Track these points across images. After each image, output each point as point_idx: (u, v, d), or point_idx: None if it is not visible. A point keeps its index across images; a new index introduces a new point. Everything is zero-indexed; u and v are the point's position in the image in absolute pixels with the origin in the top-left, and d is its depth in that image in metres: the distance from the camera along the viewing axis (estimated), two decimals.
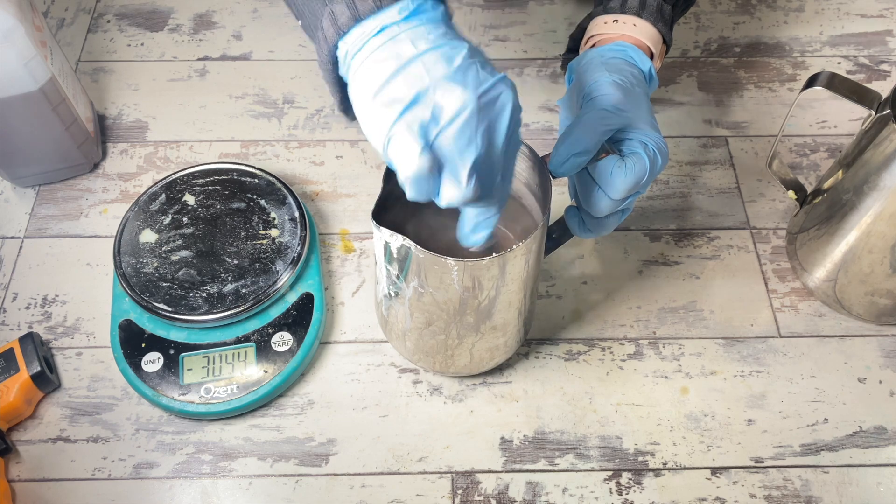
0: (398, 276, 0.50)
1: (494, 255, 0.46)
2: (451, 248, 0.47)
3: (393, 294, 0.53)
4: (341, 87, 0.43)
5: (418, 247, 0.46)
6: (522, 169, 0.53)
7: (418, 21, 0.40)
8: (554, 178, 0.49)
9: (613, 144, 0.49)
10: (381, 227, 0.46)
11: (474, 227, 0.44)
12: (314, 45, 0.44)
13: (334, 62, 0.42)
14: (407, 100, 0.39)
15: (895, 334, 0.65)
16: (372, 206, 0.47)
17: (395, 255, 0.48)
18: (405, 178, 0.39)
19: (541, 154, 0.50)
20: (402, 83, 0.39)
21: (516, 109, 0.41)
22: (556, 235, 0.57)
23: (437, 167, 0.40)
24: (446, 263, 0.46)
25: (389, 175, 0.49)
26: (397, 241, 0.46)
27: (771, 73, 0.80)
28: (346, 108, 0.45)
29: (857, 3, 0.86)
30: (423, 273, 0.48)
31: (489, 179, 0.41)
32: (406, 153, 0.39)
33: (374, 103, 0.40)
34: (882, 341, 0.64)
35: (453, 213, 0.45)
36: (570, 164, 0.47)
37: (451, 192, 0.41)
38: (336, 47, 0.41)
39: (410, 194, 0.40)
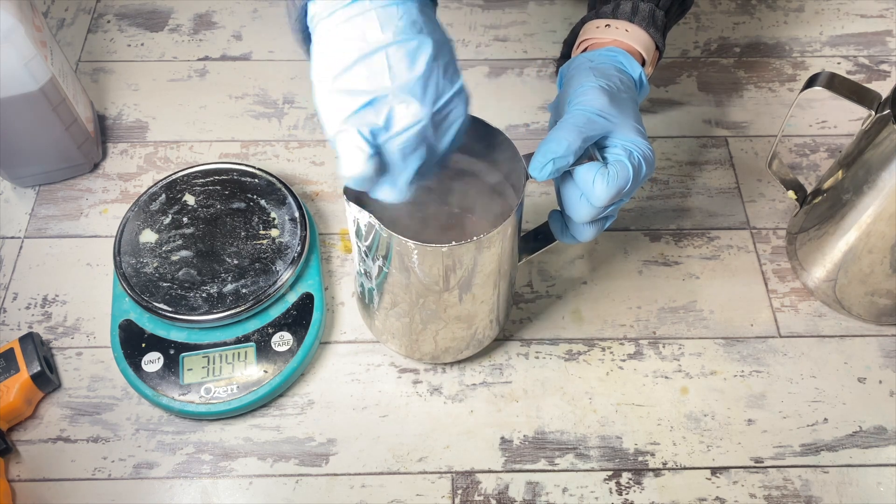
0: (367, 254, 0.51)
1: (454, 243, 0.46)
2: (427, 233, 0.47)
3: (363, 271, 0.54)
4: (307, 37, 0.44)
5: (382, 226, 0.46)
6: (504, 166, 0.53)
7: (391, 1, 0.40)
8: (535, 180, 0.49)
9: (599, 150, 0.49)
10: (351, 203, 0.47)
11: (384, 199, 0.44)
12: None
13: (304, 17, 0.43)
14: (364, 98, 0.39)
15: (895, 334, 0.65)
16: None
17: (363, 232, 0.49)
18: (348, 176, 0.40)
19: (523, 153, 0.50)
20: (364, 75, 0.39)
21: (465, 123, 0.43)
22: (541, 238, 0.57)
23: (379, 171, 0.41)
24: (407, 246, 0.47)
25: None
26: (365, 218, 0.47)
27: (771, 73, 0.80)
28: (307, 49, 0.45)
29: (857, 3, 0.86)
30: (388, 253, 0.49)
31: (425, 176, 0.43)
32: (353, 154, 0.39)
33: (332, 86, 0.40)
34: (882, 341, 0.64)
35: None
36: (549, 169, 0.47)
37: (388, 193, 0.43)
38: (305, 7, 0.42)
39: (349, 184, 0.42)
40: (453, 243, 0.46)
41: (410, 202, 0.54)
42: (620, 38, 0.56)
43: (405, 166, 0.41)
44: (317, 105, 0.42)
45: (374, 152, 0.40)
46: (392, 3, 0.40)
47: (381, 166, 0.41)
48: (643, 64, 0.57)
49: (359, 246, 0.51)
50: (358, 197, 0.47)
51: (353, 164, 0.40)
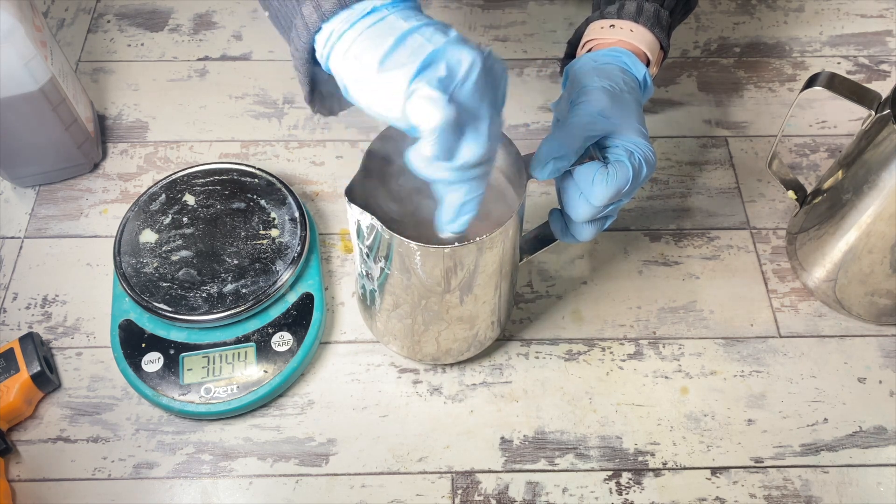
0: (368, 255, 0.51)
1: (457, 244, 0.46)
2: (428, 234, 0.47)
3: (365, 273, 0.54)
4: (312, 77, 0.44)
5: (385, 227, 0.46)
6: (505, 166, 0.53)
7: (403, 6, 0.42)
8: (536, 180, 0.49)
9: (600, 150, 0.49)
10: (353, 205, 0.47)
11: (460, 207, 0.43)
12: (283, 36, 0.45)
13: (311, 50, 0.43)
14: (418, 61, 0.39)
15: (895, 334, 0.65)
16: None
17: (365, 234, 0.49)
18: (432, 129, 0.39)
19: (524, 153, 0.50)
20: (408, 51, 0.40)
21: (507, 82, 0.43)
22: (541, 237, 0.57)
23: (457, 122, 0.40)
24: (409, 247, 0.47)
25: (371, 154, 0.50)
26: (366, 219, 0.47)
27: (771, 73, 0.80)
28: (312, 99, 0.46)
29: (857, 3, 0.86)
30: (389, 255, 0.49)
31: (493, 148, 0.42)
32: (432, 104, 0.39)
33: (381, 70, 0.40)
34: (882, 341, 0.64)
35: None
36: (550, 169, 0.47)
37: (471, 149, 0.41)
38: (316, 33, 0.42)
39: (430, 151, 0.40)
40: (456, 244, 0.46)
41: (411, 203, 0.54)
42: (625, 38, 0.56)
43: (480, 112, 0.40)
44: (363, 100, 0.41)
45: (449, 98, 0.39)
46: (406, 8, 0.42)
47: (460, 119, 0.40)
48: (648, 64, 0.57)
49: (360, 247, 0.51)
50: (358, 199, 0.47)
51: (434, 113, 0.38)
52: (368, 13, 0.41)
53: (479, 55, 0.40)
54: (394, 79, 0.40)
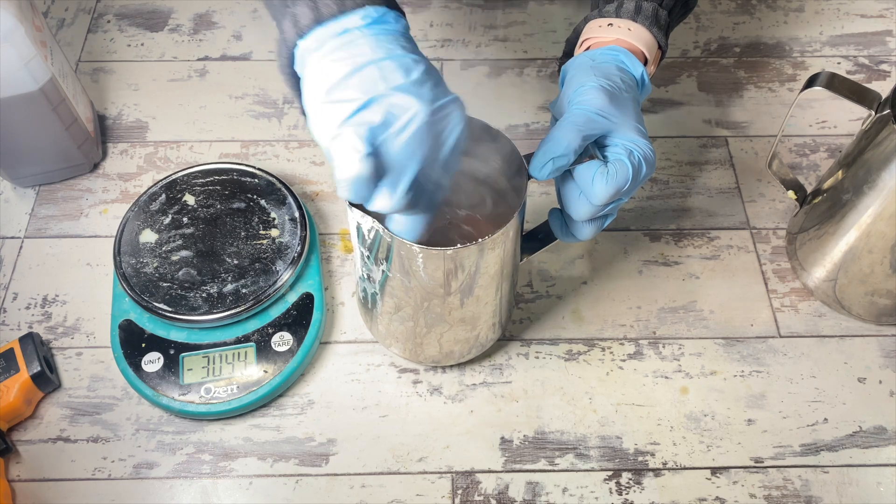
0: (369, 258, 0.51)
1: (459, 246, 0.46)
2: (429, 236, 0.47)
3: (366, 276, 0.54)
4: (299, 87, 0.44)
5: (386, 230, 0.46)
6: (505, 166, 0.53)
7: (380, 30, 0.41)
8: (536, 180, 0.49)
9: (599, 149, 0.49)
10: (353, 208, 0.47)
11: (398, 232, 0.45)
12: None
13: (292, 62, 0.43)
14: (360, 101, 0.39)
15: (895, 334, 0.65)
16: None
17: (366, 237, 0.49)
18: (343, 179, 0.39)
19: (524, 153, 0.50)
20: (357, 85, 0.39)
21: (462, 132, 0.42)
22: (541, 237, 0.57)
23: (376, 174, 0.40)
24: (411, 250, 0.47)
25: None
26: (367, 222, 0.47)
27: (771, 73, 0.80)
28: (301, 104, 0.45)
29: (857, 3, 0.86)
30: (391, 257, 0.49)
31: (422, 193, 0.42)
32: (349, 155, 0.39)
33: (325, 100, 0.40)
34: (882, 341, 0.64)
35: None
36: (549, 168, 0.47)
37: (384, 201, 0.41)
38: (295, 47, 0.42)
39: (344, 195, 0.40)
40: (458, 246, 0.46)
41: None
42: (623, 36, 0.56)
43: (403, 170, 0.40)
44: (309, 124, 0.41)
45: (371, 151, 0.39)
46: (381, 32, 0.41)
47: (378, 170, 0.40)
48: (645, 63, 0.57)
49: (361, 251, 0.51)
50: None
51: (349, 165, 0.39)
52: (340, 34, 0.40)
53: (427, 107, 0.39)
54: (330, 113, 0.40)
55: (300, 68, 0.42)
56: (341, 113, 0.39)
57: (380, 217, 0.46)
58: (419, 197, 0.42)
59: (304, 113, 0.47)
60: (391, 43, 0.41)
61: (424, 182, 0.42)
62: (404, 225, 0.44)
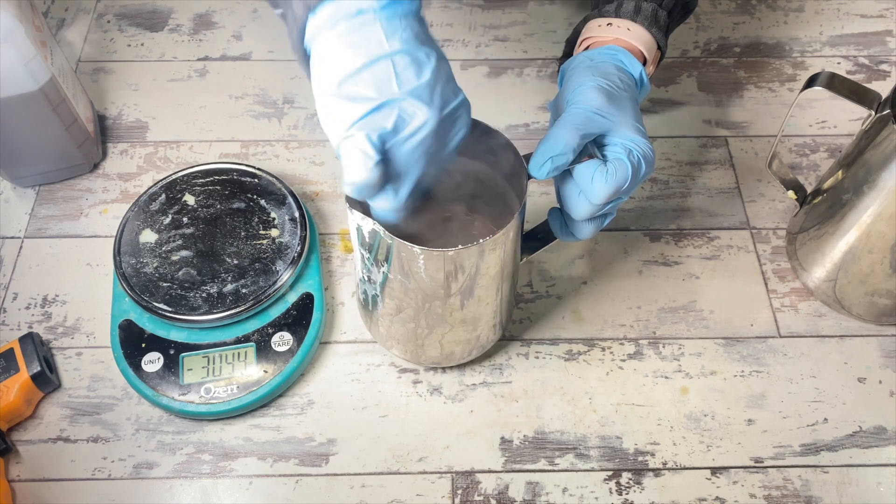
0: (369, 260, 0.51)
1: (459, 247, 0.46)
2: (430, 238, 0.47)
3: (366, 278, 0.53)
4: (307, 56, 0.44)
5: (387, 232, 0.46)
6: (505, 166, 0.53)
7: (394, 12, 0.40)
8: (535, 179, 0.49)
9: (598, 149, 0.49)
10: (354, 210, 0.47)
11: (379, 217, 0.45)
12: (280, 19, 0.44)
13: (303, 39, 0.42)
14: (372, 103, 0.39)
15: (895, 334, 0.65)
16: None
17: (366, 239, 0.49)
18: (351, 183, 0.40)
19: (524, 154, 0.50)
20: (369, 82, 0.39)
21: (465, 134, 0.43)
22: (541, 237, 0.57)
23: (383, 179, 0.41)
24: (412, 251, 0.47)
25: None
26: (367, 224, 0.47)
27: (771, 73, 0.80)
28: (307, 66, 0.45)
29: (857, 3, 0.86)
30: (391, 259, 0.49)
31: (417, 191, 0.43)
32: (360, 160, 0.39)
33: (337, 93, 0.40)
34: (882, 341, 0.64)
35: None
36: (548, 167, 0.47)
37: (386, 203, 0.42)
38: (305, 23, 0.41)
39: (349, 192, 0.41)
40: (459, 247, 0.46)
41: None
42: (622, 36, 0.56)
43: (408, 173, 0.41)
44: (319, 112, 0.42)
45: (381, 159, 0.39)
46: (395, 15, 0.40)
47: (385, 175, 0.41)
48: (644, 63, 0.57)
49: (361, 252, 0.51)
50: (359, 204, 0.47)
51: (359, 171, 0.39)
52: (355, 14, 0.40)
53: (437, 115, 0.40)
54: (342, 110, 0.40)
55: (310, 43, 0.42)
56: (353, 113, 0.39)
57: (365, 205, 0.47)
58: (414, 194, 0.43)
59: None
60: (405, 30, 0.40)
61: (421, 180, 0.43)
62: (381, 215, 0.45)
